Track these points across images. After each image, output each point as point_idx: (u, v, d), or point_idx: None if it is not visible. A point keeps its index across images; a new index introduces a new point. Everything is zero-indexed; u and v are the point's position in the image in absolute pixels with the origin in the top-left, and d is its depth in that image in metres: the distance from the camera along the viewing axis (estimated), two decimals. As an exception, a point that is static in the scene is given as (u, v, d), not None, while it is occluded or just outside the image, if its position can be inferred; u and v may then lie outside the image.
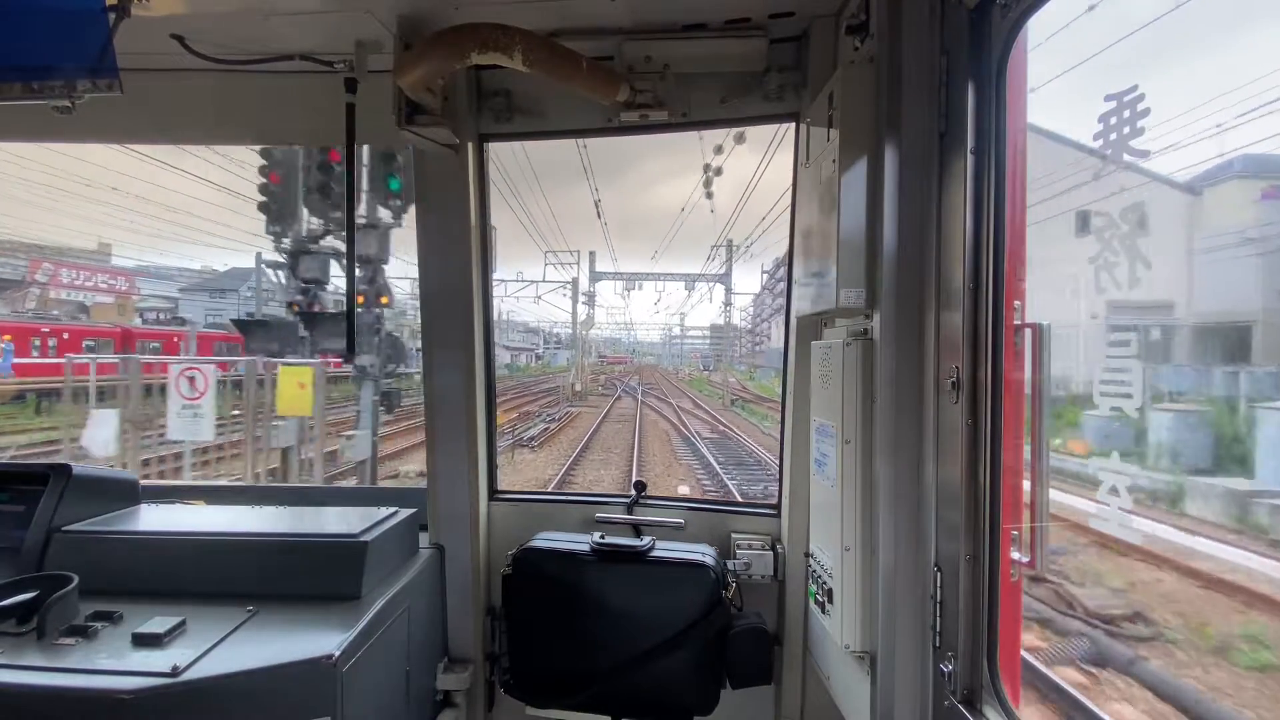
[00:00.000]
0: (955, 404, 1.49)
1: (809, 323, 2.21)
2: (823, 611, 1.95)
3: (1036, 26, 1.45)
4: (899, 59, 1.59)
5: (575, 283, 38.87)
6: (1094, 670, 5.26)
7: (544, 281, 39.84)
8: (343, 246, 9.48)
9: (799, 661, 2.34)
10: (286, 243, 9.66)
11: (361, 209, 9.06)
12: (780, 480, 2.42)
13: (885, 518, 1.66)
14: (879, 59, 1.67)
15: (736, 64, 2.18)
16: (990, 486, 1.46)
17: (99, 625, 1.58)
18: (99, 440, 9.55)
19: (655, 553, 2.24)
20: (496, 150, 2.51)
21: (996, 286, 1.44)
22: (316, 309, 9.84)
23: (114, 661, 1.44)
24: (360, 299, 9.28)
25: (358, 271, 8.65)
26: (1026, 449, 1.44)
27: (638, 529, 2.44)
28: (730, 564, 2.31)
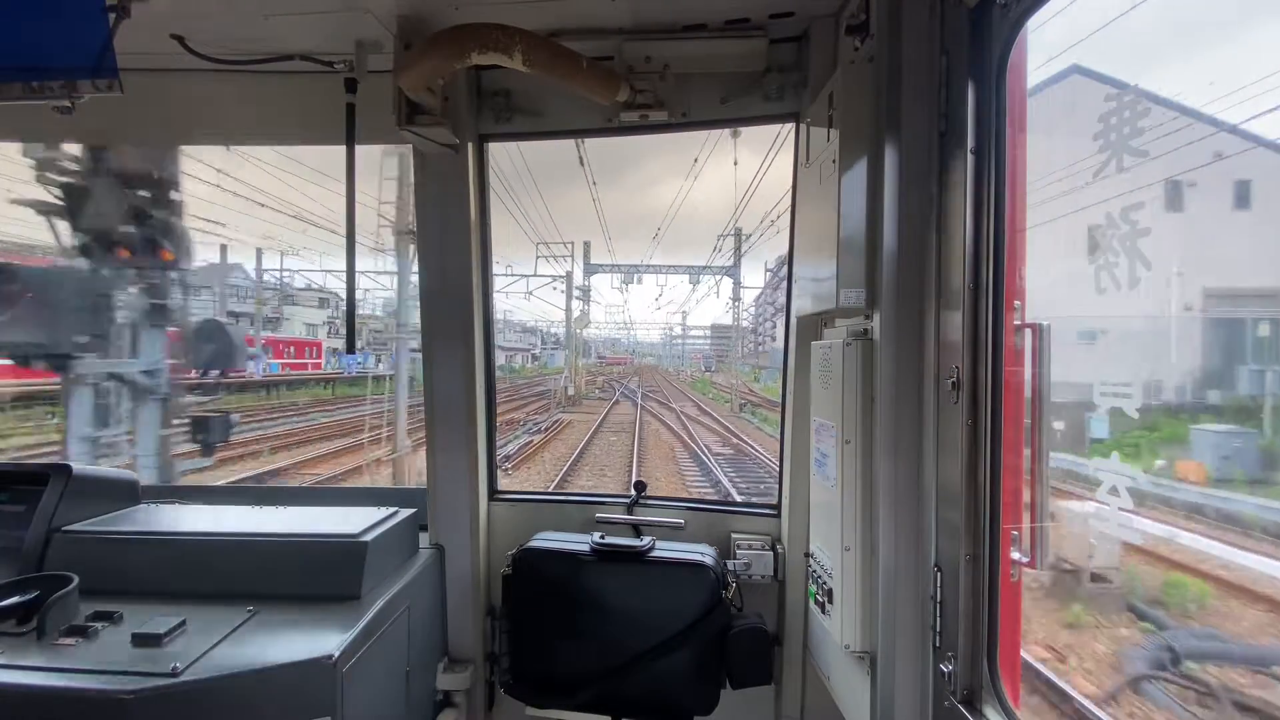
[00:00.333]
0: (955, 404, 1.49)
1: (809, 323, 2.21)
2: (823, 612, 1.95)
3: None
4: (899, 59, 1.59)
5: (569, 276, 34.98)
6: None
7: (535, 275, 35.36)
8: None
9: (799, 662, 2.34)
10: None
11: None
12: (780, 480, 2.42)
13: (885, 518, 1.66)
14: (879, 59, 1.67)
15: (736, 64, 2.18)
16: (990, 486, 1.46)
17: (99, 625, 1.58)
18: None
19: (655, 553, 2.24)
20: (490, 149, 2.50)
21: (996, 286, 1.44)
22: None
23: (114, 662, 1.44)
24: (125, 252, 5.87)
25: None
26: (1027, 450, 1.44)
27: (638, 529, 2.44)
28: (730, 564, 2.31)
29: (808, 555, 2.17)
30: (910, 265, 1.61)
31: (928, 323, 1.60)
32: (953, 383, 1.49)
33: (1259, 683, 4.42)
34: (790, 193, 2.33)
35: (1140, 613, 5.28)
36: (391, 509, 2.18)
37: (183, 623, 1.59)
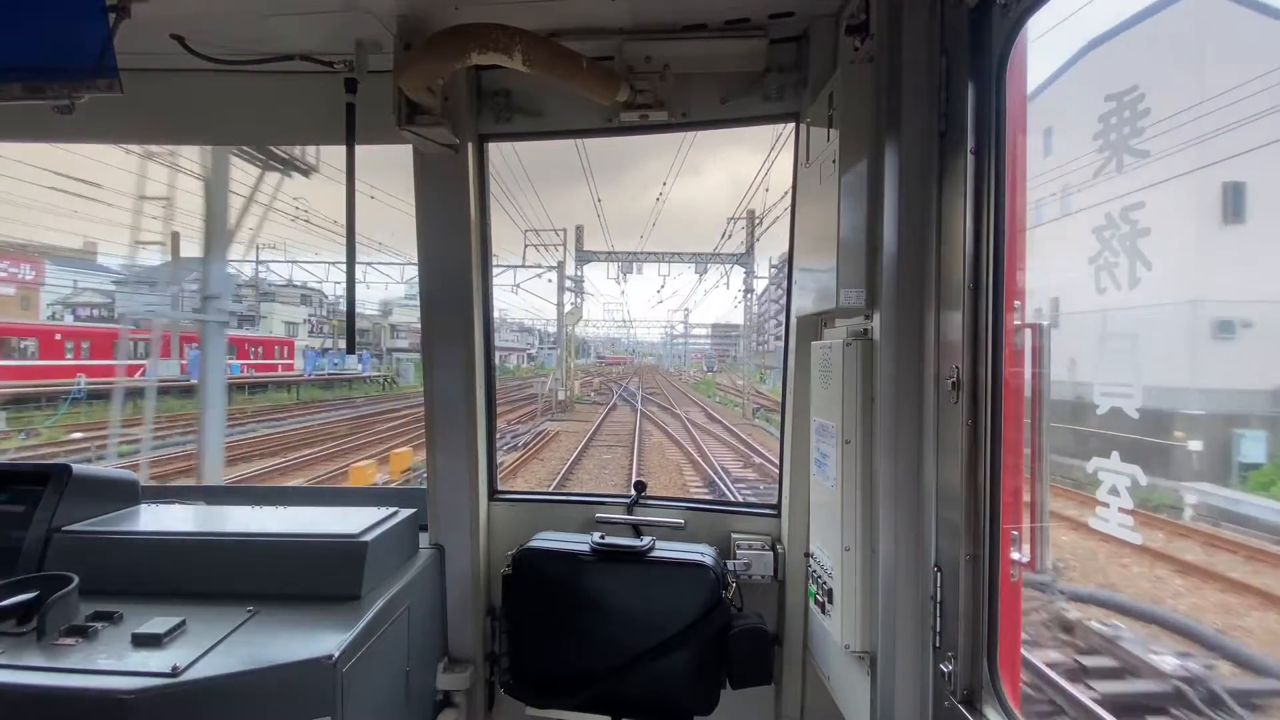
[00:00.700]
0: (955, 404, 1.49)
1: (809, 322, 2.21)
2: (823, 612, 1.95)
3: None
4: (899, 59, 1.59)
5: (561, 266, 30.48)
6: None
7: (523, 266, 30.77)
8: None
9: (799, 662, 2.34)
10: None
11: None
12: (780, 480, 2.42)
13: (885, 518, 1.66)
14: (879, 59, 1.67)
15: (736, 64, 2.18)
16: (990, 486, 1.46)
17: (99, 625, 1.58)
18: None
19: (655, 553, 2.24)
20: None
21: (996, 286, 1.44)
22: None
23: (114, 662, 1.44)
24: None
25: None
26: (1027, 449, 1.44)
27: (638, 529, 2.44)
28: (730, 564, 2.31)
29: (808, 555, 2.17)
30: (910, 265, 1.61)
31: (928, 323, 1.60)
32: (953, 383, 1.49)
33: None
34: (790, 192, 2.33)
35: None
36: (391, 509, 2.18)
37: (183, 623, 1.59)
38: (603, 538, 2.29)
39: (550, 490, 11.71)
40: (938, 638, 1.57)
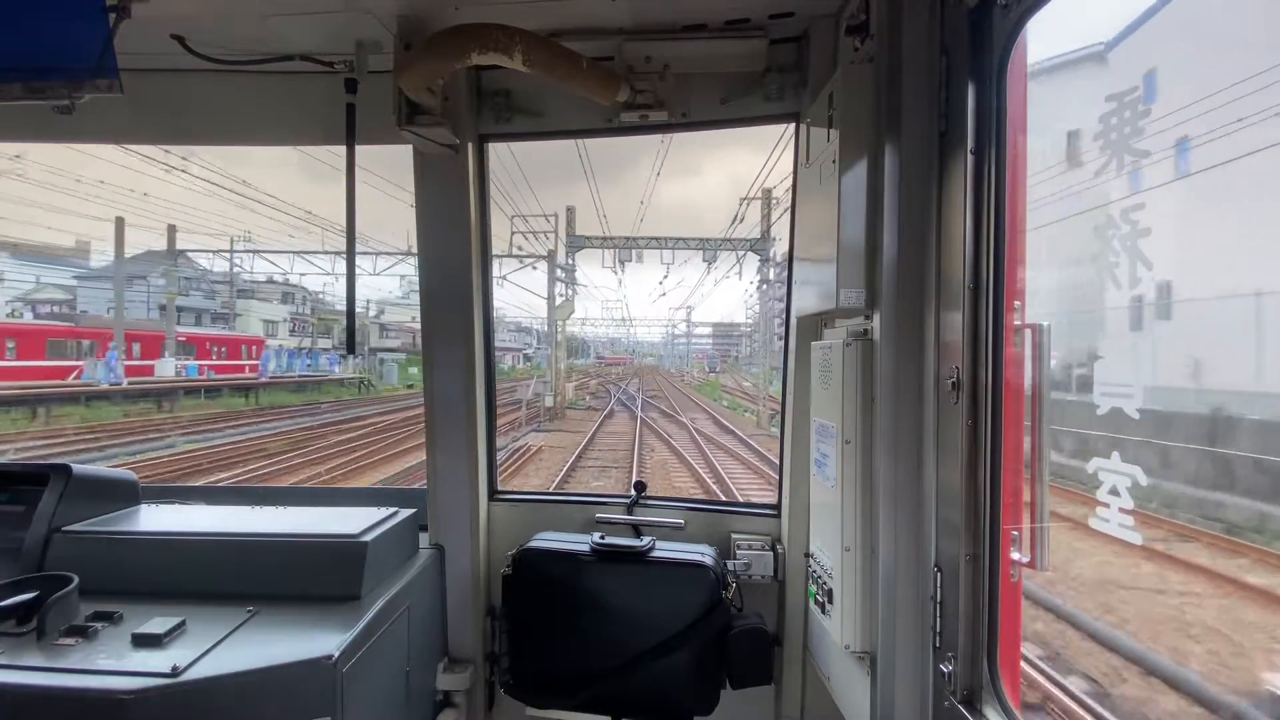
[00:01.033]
0: (955, 404, 1.49)
1: (809, 323, 2.21)
2: (823, 612, 1.95)
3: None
4: (899, 59, 1.59)
5: (551, 255, 27.16)
6: None
7: (510, 255, 26.96)
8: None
9: (799, 662, 2.34)
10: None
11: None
12: (780, 480, 2.42)
13: (885, 518, 1.66)
14: (879, 59, 1.67)
15: (736, 64, 2.18)
16: (990, 486, 1.46)
17: (99, 625, 1.58)
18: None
19: (655, 553, 2.24)
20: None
21: (996, 286, 1.44)
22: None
23: (114, 662, 1.44)
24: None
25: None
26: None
27: (638, 529, 2.44)
28: (730, 564, 2.31)
29: (808, 555, 2.17)
30: (910, 265, 1.61)
31: (928, 323, 1.60)
32: (953, 383, 1.49)
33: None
34: (790, 193, 2.33)
35: None
36: (391, 509, 2.18)
37: (183, 623, 1.59)
38: (603, 538, 2.29)
39: (550, 490, 11.68)
40: (938, 638, 1.57)
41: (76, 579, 1.65)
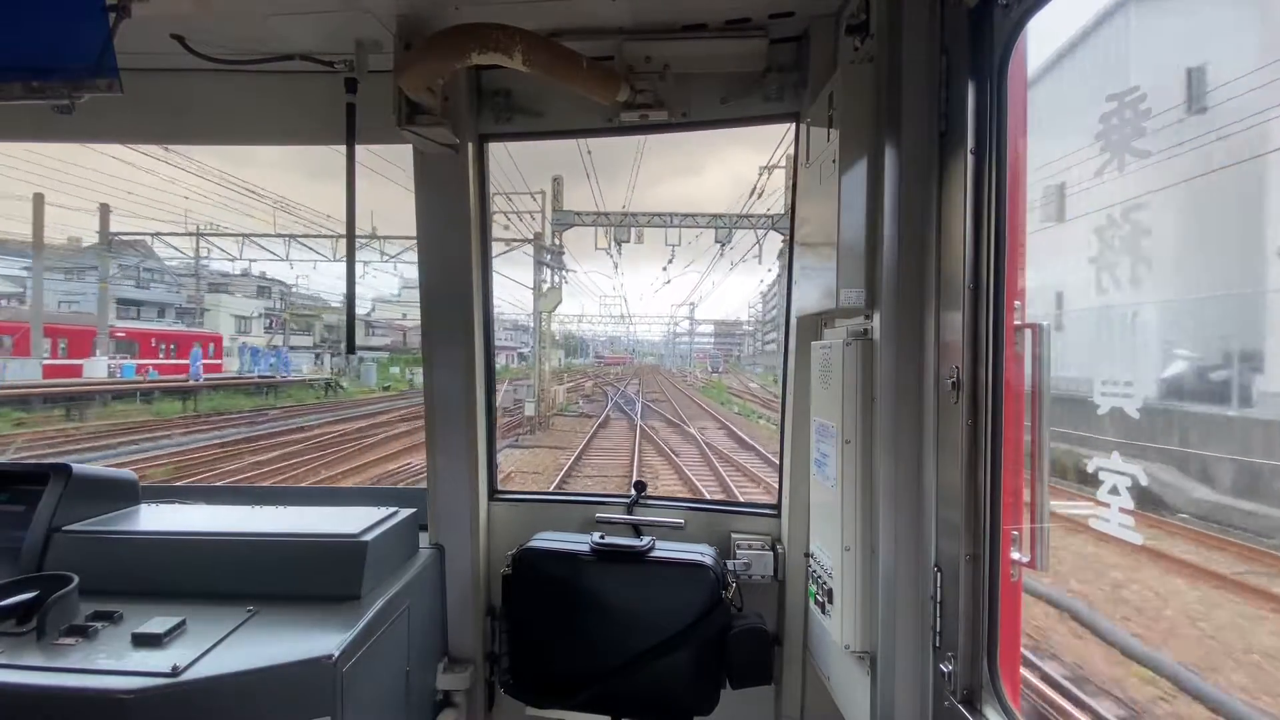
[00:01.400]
0: (955, 404, 1.49)
1: (809, 322, 2.21)
2: (823, 612, 1.95)
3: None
4: (899, 59, 1.59)
5: (539, 238, 23.32)
6: None
7: (495, 239, 17.85)
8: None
9: (799, 661, 2.34)
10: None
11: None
12: (780, 480, 2.42)
13: (885, 518, 1.66)
14: (879, 59, 1.67)
15: (736, 64, 2.18)
16: (990, 486, 1.46)
17: (99, 625, 1.58)
18: None
19: (655, 553, 2.24)
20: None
21: (997, 286, 1.44)
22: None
23: (114, 661, 1.44)
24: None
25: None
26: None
27: (638, 529, 2.44)
28: (730, 564, 2.31)
29: (808, 555, 2.17)
30: (910, 265, 1.61)
31: (928, 323, 1.60)
32: (953, 383, 1.49)
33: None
34: (790, 192, 2.33)
35: None
36: (391, 509, 2.18)
37: (183, 623, 1.59)
38: (603, 538, 2.29)
39: (550, 490, 11.65)
40: (938, 638, 1.57)
41: (76, 579, 1.65)
